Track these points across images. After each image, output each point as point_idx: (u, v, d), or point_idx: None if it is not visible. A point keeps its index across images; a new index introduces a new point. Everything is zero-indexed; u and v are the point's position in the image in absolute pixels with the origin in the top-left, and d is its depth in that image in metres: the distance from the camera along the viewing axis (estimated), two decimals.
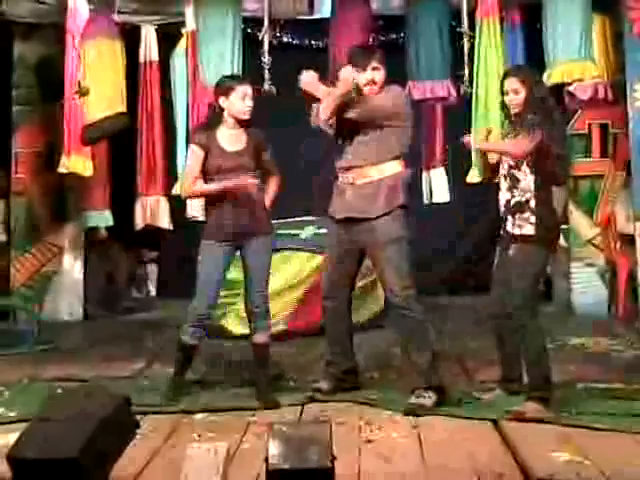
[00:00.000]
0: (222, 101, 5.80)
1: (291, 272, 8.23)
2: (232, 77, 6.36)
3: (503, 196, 5.50)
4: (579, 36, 7.32)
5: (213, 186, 5.75)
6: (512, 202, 5.42)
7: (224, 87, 5.85)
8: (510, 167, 5.44)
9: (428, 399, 5.56)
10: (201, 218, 7.36)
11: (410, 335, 5.73)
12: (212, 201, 5.83)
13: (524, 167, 5.39)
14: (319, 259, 7.66)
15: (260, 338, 5.84)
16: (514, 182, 5.42)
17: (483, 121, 7.66)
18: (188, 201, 7.48)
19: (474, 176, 7.66)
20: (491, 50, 7.62)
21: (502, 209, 5.50)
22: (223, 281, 5.92)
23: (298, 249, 8.39)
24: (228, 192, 5.69)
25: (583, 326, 8.08)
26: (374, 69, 5.73)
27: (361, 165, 5.72)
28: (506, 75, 5.67)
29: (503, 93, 5.60)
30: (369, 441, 4.91)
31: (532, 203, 5.36)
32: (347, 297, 5.98)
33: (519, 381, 5.68)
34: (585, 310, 8.71)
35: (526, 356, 5.49)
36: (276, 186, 6.00)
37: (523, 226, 5.37)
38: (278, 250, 7.71)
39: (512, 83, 5.52)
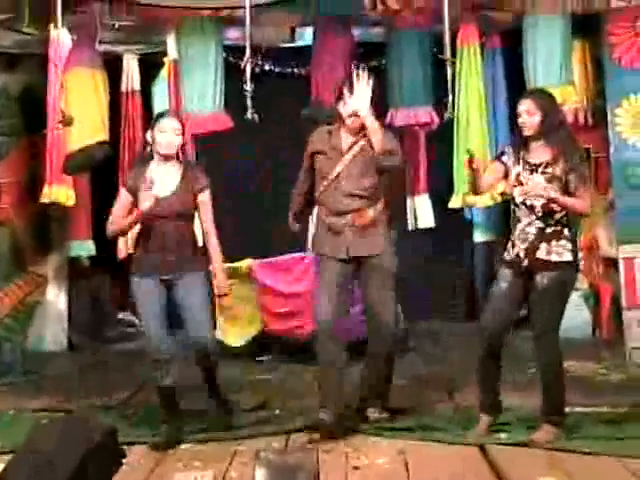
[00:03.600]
0: (149, 135, 5.71)
1: None
2: (167, 111, 6.35)
3: (530, 226, 5.45)
4: (559, 61, 7.41)
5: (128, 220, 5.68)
6: (547, 231, 5.41)
7: (154, 121, 5.79)
8: (549, 200, 5.38)
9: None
10: None
11: (381, 357, 5.81)
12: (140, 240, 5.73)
13: None
14: None
15: (207, 362, 5.66)
16: (550, 213, 5.42)
17: (464, 146, 7.72)
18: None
19: (457, 201, 7.71)
20: (472, 76, 7.70)
21: (530, 237, 5.44)
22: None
23: None
24: (151, 234, 5.60)
25: (568, 350, 7.95)
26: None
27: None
28: (522, 96, 5.66)
29: (516, 115, 5.58)
30: (356, 468, 4.89)
31: (566, 231, 5.42)
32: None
33: (499, 406, 5.68)
34: (569, 334, 8.62)
35: (548, 382, 5.49)
36: (216, 252, 5.73)
37: (562, 253, 5.39)
38: None
39: (526, 105, 5.50)
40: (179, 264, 5.59)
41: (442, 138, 8.24)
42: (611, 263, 8.23)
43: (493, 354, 5.59)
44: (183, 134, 5.76)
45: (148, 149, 5.77)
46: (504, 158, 5.63)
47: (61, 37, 7.75)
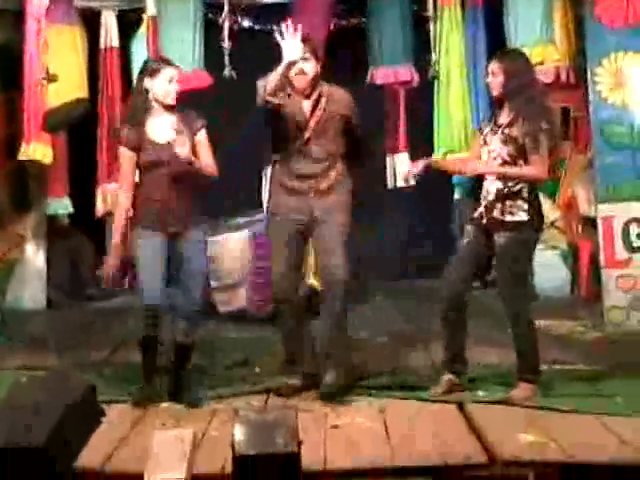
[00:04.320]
0: (147, 82, 5.57)
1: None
2: (160, 59, 6.19)
3: (492, 185, 5.54)
4: (540, 20, 7.41)
5: (115, 226, 5.65)
6: (505, 191, 5.47)
7: (150, 68, 5.63)
8: (505, 162, 5.49)
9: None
10: None
11: (336, 318, 5.71)
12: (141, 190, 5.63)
13: (520, 162, 5.47)
14: None
15: (186, 340, 5.61)
16: None
17: (444, 104, 7.72)
18: None
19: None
20: (452, 35, 7.70)
21: (490, 196, 5.54)
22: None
23: None
24: (154, 186, 5.52)
25: (546, 308, 8.10)
26: (305, 60, 5.60)
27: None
28: (493, 59, 5.72)
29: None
30: (335, 426, 4.93)
31: (524, 192, 5.46)
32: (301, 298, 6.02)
33: (459, 362, 5.70)
34: (548, 293, 8.74)
35: (520, 341, 5.54)
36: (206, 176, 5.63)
37: (515, 213, 5.46)
38: None
39: (492, 65, 5.59)
40: (182, 217, 5.54)
41: (423, 97, 8.22)
42: (590, 222, 8.25)
43: (453, 308, 5.63)
44: None
45: (142, 98, 5.61)
46: (482, 125, 5.79)
47: None
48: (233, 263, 8.22)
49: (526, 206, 5.45)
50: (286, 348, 5.90)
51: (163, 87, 5.56)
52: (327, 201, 5.74)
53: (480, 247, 5.61)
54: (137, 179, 5.68)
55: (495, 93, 5.56)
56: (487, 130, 5.63)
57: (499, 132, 5.53)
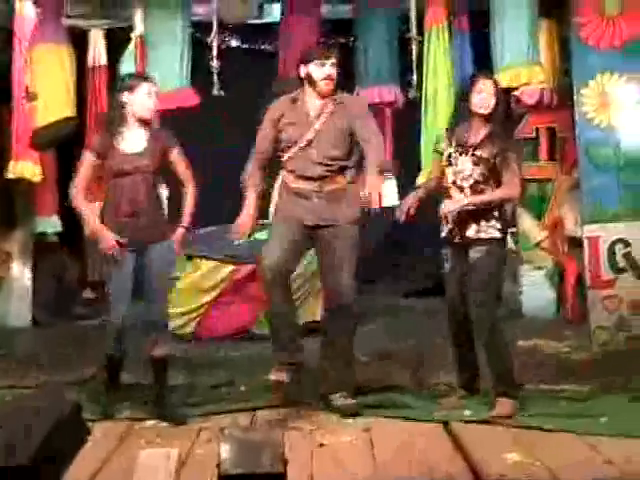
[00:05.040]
0: (125, 97, 5.63)
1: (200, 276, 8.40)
2: (138, 74, 6.28)
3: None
4: (526, 41, 7.44)
5: (86, 214, 5.73)
6: (476, 211, 5.54)
7: (128, 84, 5.73)
8: (477, 182, 5.57)
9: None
10: None
11: (343, 336, 5.72)
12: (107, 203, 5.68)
13: (492, 182, 5.57)
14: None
15: (160, 352, 5.60)
16: (479, 193, 5.59)
17: (432, 125, 7.76)
18: None
19: (423, 179, 7.74)
20: (440, 56, 7.74)
21: (462, 215, 5.58)
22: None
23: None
24: (121, 196, 5.57)
25: (532, 328, 8.13)
26: (332, 65, 5.70)
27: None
28: (482, 75, 5.80)
29: (471, 91, 5.67)
30: (321, 445, 4.92)
31: (495, 211, 5.56)
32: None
33: (475, 381, 5.82)
34: (534, 313, 8.76)
35: (492, 355, 5.57)
36: (191, 196, 5.75)
37: (489, 232, 5.55)
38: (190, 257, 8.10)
39: (483, 83, 5.64)
40: (150, 230, 5.59)
41: (410, 117, 8.26)
42: (576, 242, 8.27)
43: (461, 330, 5.72)
44: None
45: (118, 111, 5.68)
46: (438, 147, 5.85)
47: (25, 10, 7.72)
48: None
49: (499, 225, 5.56)
50: (275, 334, 5.79)
51: (141, 102, 5.64)
52: (335, 210, 5.69)
53: (461, 266, 5.68)
54: (106, 189, 5.73)
55: (484, 111, 5.59)
56: (450, 151, 5.68)
57: (469, 153, 5.59)
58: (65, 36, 7.67)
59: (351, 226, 5.73)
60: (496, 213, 5.57)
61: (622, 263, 7.34)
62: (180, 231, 5.73)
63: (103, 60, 8.30)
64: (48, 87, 7.48)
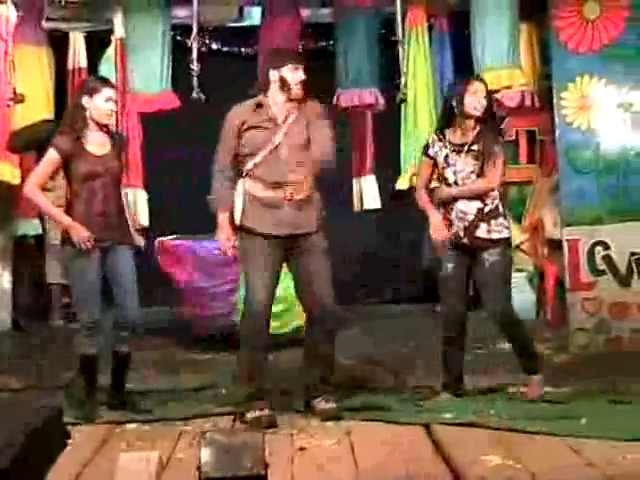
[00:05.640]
0: (85, 101, 5.66)
1: None
2: (99, 78, 6.23)
3: (471, 205, 5.74)
4: (506, 44, 7.49)
5: (48, 206, 5.80)
6: (486, 210, 5.73)
7: (89, 87, 5.76)
8: (478, 176, 5.75)
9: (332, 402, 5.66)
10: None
11: (326, 343, 5.70)
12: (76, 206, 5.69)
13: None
14: None
15: (125, 348, 5.73)
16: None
17: (412, 127, 7.78)
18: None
19: (403, 183, 7.78)
20: (420, 58, 7.76)
21: (469, 216, 5.73)
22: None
23: None
24: (93, 197, 5.62)
25: None
26: (303, 70, 5.68)
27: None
28: (474, 78, 6.08)
29: (463, 93, 5.78)
30: (302, 449, 4.91)
31: (500, 209, 5.77)
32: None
33: (461, 382, 5.98)
34: None
35: (519, 339, 5.92)
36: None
37: (501, 231, 5.75)
38: None
39: (482, 87, 5.84)
40: (119, 231, 5.69)
41: (389, 119, 8.28)
42: (556, 245, 8.30)
43: (457, 331, 5.93)
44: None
45: (80, 114, 5.69)
46: (430, 151, 5.90)
47: (7, 13, 7.69)
48: None
49: (507, 223, 5.81)
50: (252, 380, 5.65)
51: (98, 107, 5.67)
52: (307, 217, 5.62)
53: (462, 269, 5.86)
54: (75, 190, 5.71)
55: (478, 113, 5.75)
56: (444, 153, 5.81)
57: (464, 151, 5.73)
58: (45, 38, 7.69)
59: (321, 232, 5.70)
60: (501, 210, 5.77)
61: (602, 266, 7.38)
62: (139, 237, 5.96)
63: (83, 63, 8.32)
64: (27, 89, 7.49)
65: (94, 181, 5.60)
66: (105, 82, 5.88)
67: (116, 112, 6.08)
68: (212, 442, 3.67)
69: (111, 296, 5.68)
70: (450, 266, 5.84)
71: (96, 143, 5.67)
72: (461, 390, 5.94)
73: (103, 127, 5.73)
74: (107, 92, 5.69)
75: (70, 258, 5.63)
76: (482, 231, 5.71)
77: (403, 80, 7.74)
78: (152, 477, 3.75)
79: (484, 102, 5.76)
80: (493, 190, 5.76)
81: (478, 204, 5.73)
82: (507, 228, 5.82)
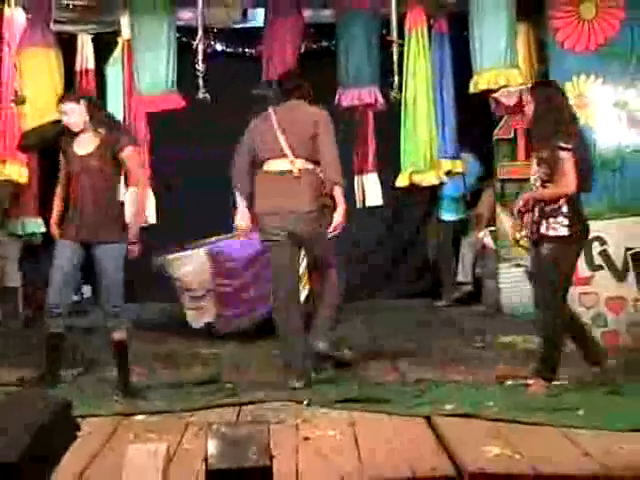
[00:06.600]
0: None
1: None
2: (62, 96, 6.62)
3: (537, 203, 5.98)
4: (504, 44, 7.54)
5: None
6: (547, 209, 5.92)
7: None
8: (543, 181, 5.95)
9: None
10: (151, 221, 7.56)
11: (332, 293, 6.38)
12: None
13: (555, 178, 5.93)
14: None
15: (119, 335, 6.09)
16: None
17: (412, 126, 7.86)
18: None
19: (403, 180, 7.88)
20: (420, 58, 7.84)
21: (535, 216, 5.98)
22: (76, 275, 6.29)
23: None
24: (73, 195, 6.01)
25: (511, 325, 8.24)
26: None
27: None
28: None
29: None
30: (307, 439, 4.97)
31: (564, 209, 5.88)
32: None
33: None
34: (513, 309, 8.87)
35: (543, 341, 6.06)
36: (140, 196, 6.29)
37: (557, 229, 5.90)
38: None
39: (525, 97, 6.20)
40: (97, 230, 5.99)
41: (391, 118, 8.36)
42: None
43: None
44: (89, 109, 6.10)
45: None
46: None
47: (15, 16, 7.80)
48: (194, 279, 8.28)
49: (567, 222, 5.87)
50: (285, 354, 6.29)
51: (67, 120, 6.12)
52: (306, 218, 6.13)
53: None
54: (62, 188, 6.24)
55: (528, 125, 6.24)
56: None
57: (534, 156, 6.04)
58: (53, 40, 7.78)
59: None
60: (565, 209, 5.87)
61: (598, 261, 7.48)
62: (132, 233, 6.09)
63: (91, 64, 8.41)
64: (36, 91, 7.58)
65: (73, 180, 6.01)
66: (60, 98, 6.39)
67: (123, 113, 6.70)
68: (218, 434, 3.71)
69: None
70: (531, 258, 6.22)
71: (83, 143, 6.04)
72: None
73: (85, 131, 6.06)
74: (61, 107, 6.15)
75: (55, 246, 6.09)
76: (543, 228, 5.92)
77: (397, 80, 7.85)
78: (159, 469, 3.77)
79: (527, 112, 6.10)
80: (567, 195, 5.89)
81: (540, 204, 5.94)
82: (566, 227, 5.88)
